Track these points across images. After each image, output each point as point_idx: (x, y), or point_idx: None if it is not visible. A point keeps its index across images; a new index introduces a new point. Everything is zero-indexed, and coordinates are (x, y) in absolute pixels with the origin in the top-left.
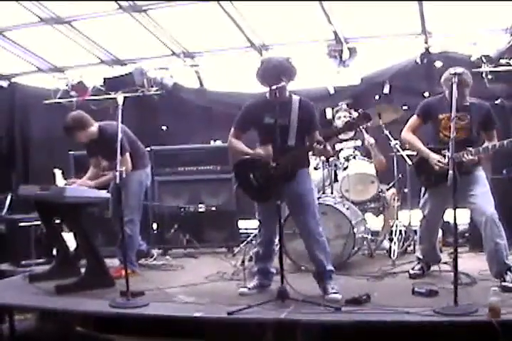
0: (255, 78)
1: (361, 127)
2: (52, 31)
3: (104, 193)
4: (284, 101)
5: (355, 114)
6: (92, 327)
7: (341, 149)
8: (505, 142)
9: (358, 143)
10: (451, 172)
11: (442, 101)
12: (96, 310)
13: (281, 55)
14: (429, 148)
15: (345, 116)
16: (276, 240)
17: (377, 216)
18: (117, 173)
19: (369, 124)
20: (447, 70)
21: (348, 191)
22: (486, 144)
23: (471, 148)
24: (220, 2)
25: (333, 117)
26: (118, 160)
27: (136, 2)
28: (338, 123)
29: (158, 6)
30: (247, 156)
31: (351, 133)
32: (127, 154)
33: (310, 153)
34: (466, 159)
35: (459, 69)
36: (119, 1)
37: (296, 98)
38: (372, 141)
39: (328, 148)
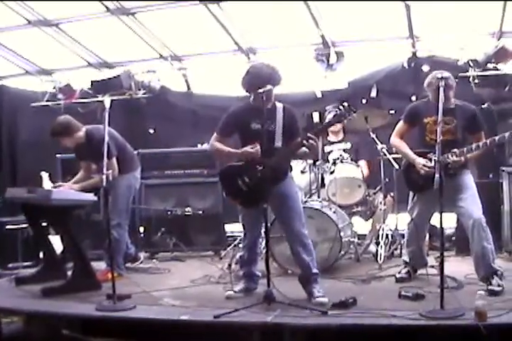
0: (241, 85)
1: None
2: (39, 34)
3: (90, 196)
4: (269, 108)
5: (340, 107)
6: (79, 330)
7: (331, 151)
8: (488, 141)
9: (348, 145)
10: (437, 175)
11: (427, 104)
12: (82, 313)
13: (268, 59)
14: (416, 152)
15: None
16: (263, 243)
17: (365, 220)
18: (104, 177)
19: (355, 116)
20: (430, 74)
21: (334, 195)
22: (471, 145)
23: (455, 149)
24: (208, 5)
25: (321, 120)
26: (104, 164)
27: (124, 5)
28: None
29: (147, 9)
30: (232, 163)
31: (341, 136)
32: (114, 158)
33: (296, 156)
34: (451, 160)
35: (445, 73)
36: (105, 2)
37: (279, 105)
38: None
39: (319, 144)
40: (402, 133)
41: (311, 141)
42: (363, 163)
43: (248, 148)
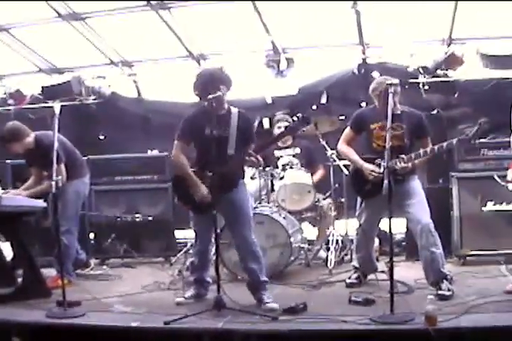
0: (193, 92)
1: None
2: None
3: (40, 202)
4: (224, 113)
5: (294, 118)
6: (29, 337)
7: (281, 156)
8: (436, 147)
9: (297, 150)
10: (386, 181)
11: (374, 111)
12: (33, 320)
13: (219, 65)
14: (364, 158)
15: (285, 123)
16: (213, 250)
17: (313, 226)
18: (53, 183)
19: (308, 127)
20: (375, 80)
21: (284, 201)
22: (419, 151)
23: (403, 155)
24: (159, 11)
25: (271, 126)
26: (54, 170)
27: (75, 10)
28: (277, 131)
29: (97, 15)
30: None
31: (290, 141)
32: (62, 164)
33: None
34: (398, 166)
35: (392, 79)
36: (56, 7)
37: (235, 110)
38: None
39: (259, 158)
40: (349, 140)
41: (252, 158)
42: (320, 171)
43: (203, 189)
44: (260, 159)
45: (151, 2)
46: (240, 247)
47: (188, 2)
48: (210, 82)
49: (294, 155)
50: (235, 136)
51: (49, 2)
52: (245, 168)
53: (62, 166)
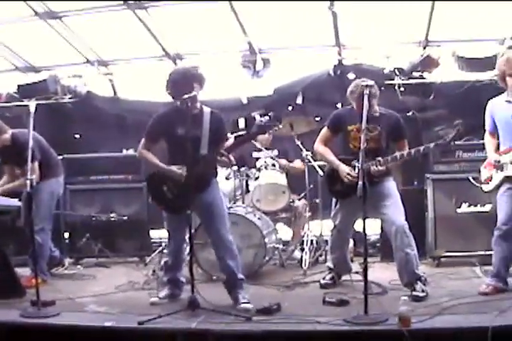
0: (166, 91)
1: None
2: None
3: (14, 201)
4: (196, 113)
5: (266, 117)
6: (3, 337)
7: (259, 158)
8: (412, 151)
9: (275, 152)
10: (360, 183)
11: (351, 112)
12: (6, 320)
13: (193, 64)
14: (340, 159)
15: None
16: (188, 249)
17: (288, 226)
18: (28, 181)
19: (280, 127)
20: (353, 83)
21: (259, 201)
22: (395, 153)
23: (379, 158)
24: (136, 11)
25: (247, 126)
26: (28, 168)
27: (52, 9)
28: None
29: (74, 13)
30: (159, 169)
31: (269, 142)
32: (36, 163)
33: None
34: (374, 169)
35: (369, 82)
36: (33, 5)
37: (207, 110)
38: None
39: (231, 158)
40: (326, 140)
41: (223, 157)
42: (298, 161)
43: (174, 168)
44: (232, 159)
45: (128, 1)
46: (217, 245)
47: (164, 2)
48: (183, 81)
49: (272, 157)
50: (208, 135)
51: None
52: (218, 167)
53: (36, 165)
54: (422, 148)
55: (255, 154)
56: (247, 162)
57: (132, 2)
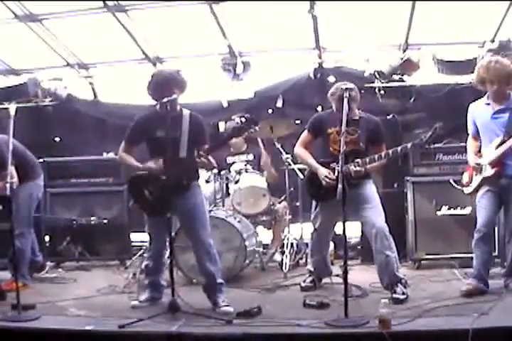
0: (147, 92)
1: (259, 140)
2: None
3: None
4: (175, 115)
5: (242, 119)
6: None
7: (233, 162)
8: (390, 151)
9: (250, 156)
10: (340, 186)
11: (332, 115)
12: None
13: (174, 68)
14: (320, 162)
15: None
16: (168, 253)
17: (268, 229)
18: (7, 185)
19: (257, 129)
20: (333, 86)
21: (239, 204)
22: (373, 155)
23: (358, 159)
24: (116, 14)
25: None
26: (8, 172)
27: (31, 11)
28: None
29: (54, 16)
30: (140, 172)
31: (244, 147)
32: (12, 167)
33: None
34: (352, 170)
35: (349, 85)
36: (13, 8)
37: (186, 112)
38: (268, 160)
39: (212, 160)
40: (306, 143)
41: (203, 159)
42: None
43: (150, 163)
44: (212, 160)
45: (108, 3)
46: (197, 249)
47: (144, 2)
48: (164, 84)
49: (247, 161)
50: (187, 138)
51: (5, 2)
52: (199, 170)
53: (13, 168)
54: (399, 148)
55: (230, 159)
56: (222, 166)
57: (112, 4)
